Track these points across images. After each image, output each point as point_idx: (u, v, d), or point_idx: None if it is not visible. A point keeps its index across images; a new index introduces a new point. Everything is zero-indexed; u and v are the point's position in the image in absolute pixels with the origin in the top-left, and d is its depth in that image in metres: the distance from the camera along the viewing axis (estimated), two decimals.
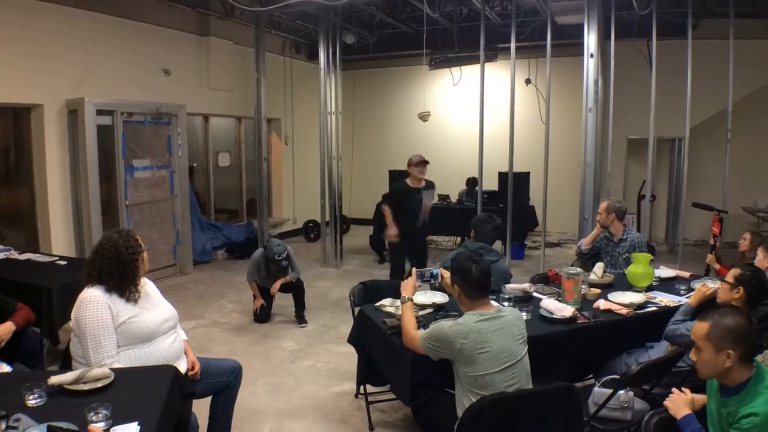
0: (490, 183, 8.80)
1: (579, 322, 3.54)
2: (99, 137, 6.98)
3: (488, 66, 8.03)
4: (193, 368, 3.13)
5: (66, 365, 2.94)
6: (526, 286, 4.10)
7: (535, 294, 4.05)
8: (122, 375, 2.53)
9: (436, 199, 7.54)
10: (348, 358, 4.79)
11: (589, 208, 6.77)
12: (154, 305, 3.03)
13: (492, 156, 8.16)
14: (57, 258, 5.50)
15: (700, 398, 2.43)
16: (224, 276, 8.30)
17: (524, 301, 3.90)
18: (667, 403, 2.41)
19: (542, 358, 3.17)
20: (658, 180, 9.21)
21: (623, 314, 3.65)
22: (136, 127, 7.60)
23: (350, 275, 8.10)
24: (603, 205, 5.16)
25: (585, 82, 6.71)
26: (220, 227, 9.50)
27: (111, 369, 2.54)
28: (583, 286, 3.99)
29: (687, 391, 2.42)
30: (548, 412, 2.67)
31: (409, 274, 3.47)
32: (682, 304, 3.62)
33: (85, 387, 2.39)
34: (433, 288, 3.89)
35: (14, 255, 5.53)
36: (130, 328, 2.82)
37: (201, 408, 3.26)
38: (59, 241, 6.94)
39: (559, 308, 3.58)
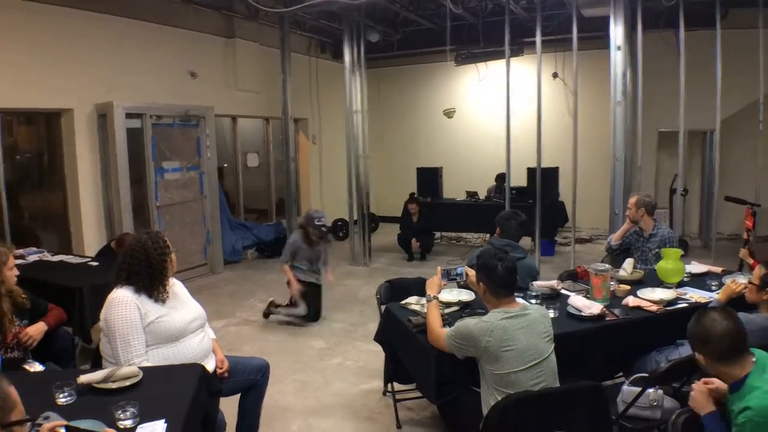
0: (519, 179, 8.74)
1: (607, 319, 3.48)
2: (129, 140, 7.10)
3: (514, 61, 7.97)
4: (221, 367, 3.17)
5: (98, 364, 3.00)
6: (554, 283, 4.06)
7: (562, 291, 4.00)
8: (150, 373, 2.57)
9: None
10: (376, 356, 4.80)
11: (619, 203, 6.68)
12: (182, 305, 3.08)
13: (520, 151, 8.10)
14: (89, 259, 5.61)
15: (725, 387, 2.38)
16: (254, 275, 8.39)
17: (552, 298, 3.85)
18: (690, 402, 2.36)
19: (570, 357, 3.13)
20: (690, 173, 9.03)
21: (653, 311, 3.58)
22: (165, 129, 7.71)
23: (379, 273, 8.11)
24: (632, 199, 5.08)
25: (612, 75, 6.62)
26: (249, 227, 9.59)
27: (139, 368, 2.58)
28: (612, 283, 3.93)
29: (711, 381, 2.35)
30: (574, 412, 2.64)
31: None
32: (711, 300, 3.54)
33: (114, 385, 2.43)
34: (459, 286, 3.89)
35: (47, 257, 5.65)
36: (158, 328, 2.86)
37: (229, 406, 3.30)
38: (91, 242, 7.06)
39: (587, 305, 3.53)
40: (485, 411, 2.76)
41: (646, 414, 2.96)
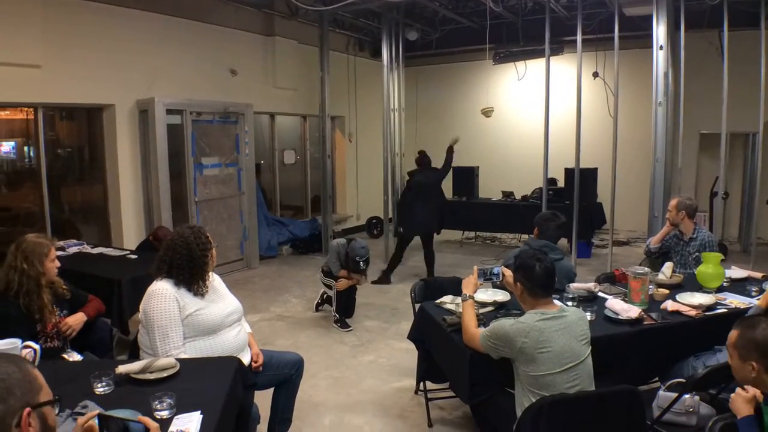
0: (557, 180, 8.64)
1: (645, 323, 3.42)
2: (169, 136, 7.24)
3: (554, 60, 7.89)
4: (256, 360, 3.21)
5: (134, 355, 3.05)
6: (591, 285, 4.01)
7: (600, 294, 3.95)
8: (187, 365, 2.61)
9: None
10: (409, 354, 4.80)
11: (659, 205, 6.56)
12: (220, 298, 3.12)
13: (558, 152, 8.02)
14: (128, 252, 5.73)
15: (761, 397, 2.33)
16: (289, 271, 8.46)
17: (589, 300, 3.80)
18: (730, 403, 2.32)
19: (606, 360, 3.08)
20: (731, 176, 8.81)
21: (691, 316, 3.51)
22: (205, 125, 7.83)
23: (412, 272, 8.11)
24: (673, 202, 4.97)
25: (654, 75, 6.50)
26: (285, 223, 9.69)
27: (177, 359, 2.62)
28: (650, 287, 3.87)
29: (750, 389, 2.31)
30: (610, 416, 2.60)
31: None
32: (751, 306, 3.46)
33: (151, 376, 2.47)
34: (495, 286, 3.86)
35: (87, 249, 5.80)
36: (196, 320, 2.91)
37: (263, 399, 3.34)
38: (130, 236, 7.21)
39: (624, 309, 3.48)
40: (519, 412, 2.74)
41: (682, 420, 2.91)
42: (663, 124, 6.52)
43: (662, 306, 3.65)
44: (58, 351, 3.36)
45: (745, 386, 2.33)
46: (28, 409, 1.39)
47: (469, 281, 3.39)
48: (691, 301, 3.71)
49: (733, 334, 2.27)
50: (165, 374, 2.49)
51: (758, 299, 3.59)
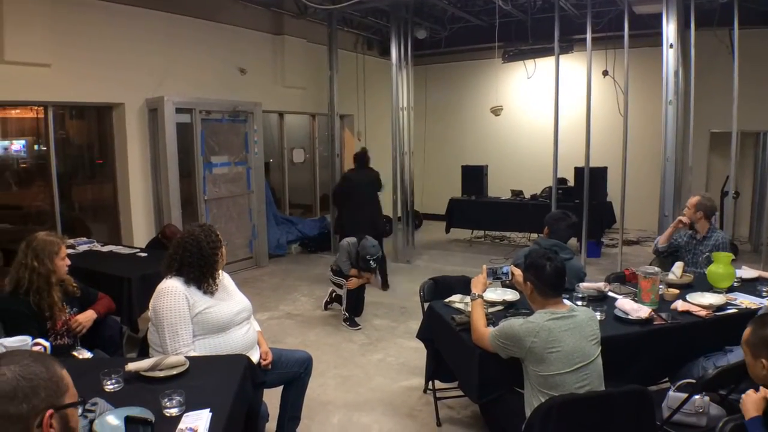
0: (567, 179, 8.60)
1: (655, 323, 3.40)
2: (178, 134, 7.25)
3: (563, 58, 7.86)
4: (265, 358, 3.22)
5: (144, 353, 3.06)
6: (601, 285, 3.99)
7: (610, 293, 3.93)
8: (197, 363, 2.62)
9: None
10: (417, 353, 4.80)
11: (669, 204, 6.52)
12: (229, 296, 3.13)
13: (567, 150, 7.99)
14: (138, 250, 5.75)
15: None
16: (298, 269, 8.47)
17: (598, 300, 3.79)
18: (741, 404, 2.31)
19: (616, 360, 3.07)
20: (741, 175, 8.74)
21: (702, 316, 3.49)
22: (214, 124, 7.85)
23: (422, 271, 8.10)
24: (693, 200, 4.85)
25: (664, 74, 6.46)
26: (294, 222, 9.71)
27: (186, 357, 2.63)
28: (660, 286, 3.84)
29: (763, 390, 2.30)
30: (619, 416, 2.58)
31: None
32: (762, 307, 3.43)
33: (161, 374, 2.48)
34: (504, 285, 3.85)
35: (97, 247, 5.83)
36: (205, 318, 2.92)
37: (272, 397, 3.35)
38: (140, 234, 7.24)
39: (634, 309, 3.46)
40: (528, 412, 2.73)
41: (692, 420, 2.89)
42: (673, 123, 6.49)
43: (672, 306, 3.63)
44: (68, 348, 3.38)
45: (753, 388, 2.32)
46: (50, 411, 1.40)
47: (478, 280, 3.38)
48: (701, 301, 3.69)
49: (746, 332, 2.27)
50: (174, 372, 2.50)
51: None
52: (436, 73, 12.01)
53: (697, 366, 3.37)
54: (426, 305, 4.08)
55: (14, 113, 6.78)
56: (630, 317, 3.41)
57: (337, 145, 9.53)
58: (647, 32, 7.47)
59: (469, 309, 3.28)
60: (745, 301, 3.77)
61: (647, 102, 9.06)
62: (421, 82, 11.39)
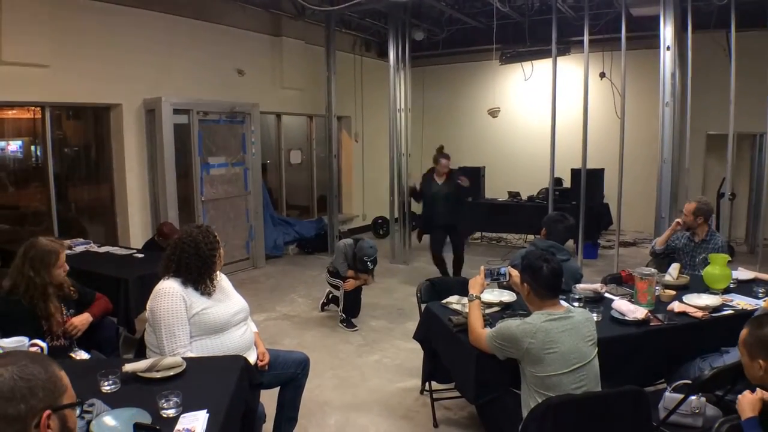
0: (563, 179, 8.61)
1: (652, 324, 3.41)
2: (176, 135, 7.25)
3: (561, 60, 7.87)
4: (262, 359, 3.21)
5: (141, 354, 3.07)
6: (597, 286, 3.99)
7: (606, 295, 3.94)
8: (194, 364, 2.61)
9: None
10: (414, 354, 4.79)
11: (666, 206, 6.53)
12: (227, 297, 3.13)
13: (565, 152, 8.00)
14: (134, 251, 5.75)
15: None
16: (295, 270, 8.47)
17: (595, 301, 3.79)
18: (737, 405, 2.33)
19: (612, 361, 3.08)
20: (738, 177, 8.76)
21: (698, 317, 3.50)
22: (212, 125, 7.85)
23: (418, 272, 8.10)
24: (690, 207, 4.83)
25: (661, 76, 6.47)
26: (291, 223, 9.71)
27: (183, 358, 2.63)
28: (657, 288, 3.86)
29: (759, 391, 2.31)
30: (616, 416, 2.59)
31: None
32: (758, 308, 3.44)
33: (158, 375, 2.47)
34: (501, 286, 3.86)
35: (93, 248, 5.81)
36: (202, 319, 2.92)
37: (269, 398, 3.34)
38: (137, 235, 7.24)
39: (631, 310, 3.47)
40: (525, 413, 2.74)
41: (688, 421, 2.89)
42: (670, 125, 6.50)
43: (669, 307, 3.64)
44: (65, 349, 3.37)
45: (749, 389, 2.33)
46: (48, 412, 1.40)
47: (475, 281, 3.39)
48: (697, 302, 3.70)
49: (743, 333, 2.28)
50: (171, 373, 2.49)
51: (765, 301, 3.57)
52: (433, 75, 12.02)
53: (693, 367, 3.38)
54: (423, 306, 4.08)
55: (11, 114, 6.78)
56: (626, 318, 3.43)
57: (334, 146, 9.53)
58: (644, 34, 7.48)
59: (467, 310, 3.29)
60: (741, 302, 3.78)
61: (644, 104, 9.07)
62: (419, 84, 11.40)
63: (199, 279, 2.97)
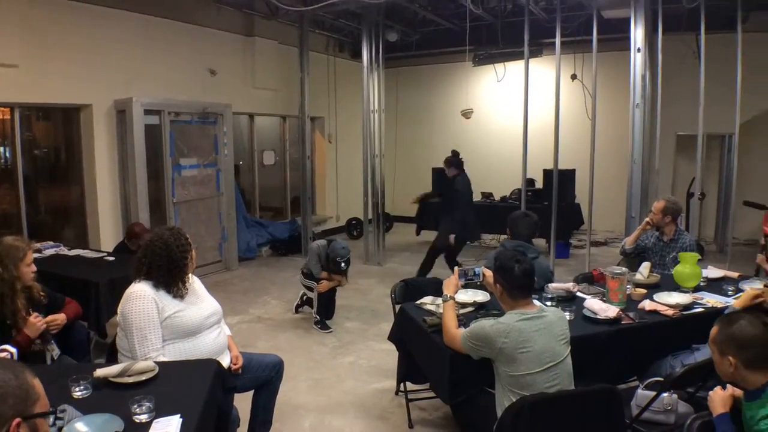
0: (535, 180, 8.69)
1: (623, 322, 3.46)
2: (147, 136, 7.15)
3: (533, 62, 7.93)
4: (236, 363, 3.18)
5: (113, 358, 3.01)
6: (570, 285, 4.03)
7: (578, 294, 3.98)
8: (166, 368, 2.58)
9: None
10: (389, 355, 4.80)
11: (636, 206, 6.62)
12: (199, 300, 3.09)
13: (537, 153, 8.07)
14: (105, 254, 5.65)
15: (740, 393, 2.38)
16: (268, 272, 8.42)
17: (567, 300, 3.83)
18: (709, 401, 2.37)
19: (585, 359, 3.10)
20: (707, 177, 8.93)
21: (669, 315, 3.55)
22: (184, 126, 7.77)
23: (392, 273, 8.11)
24: (659, 205, 4.88)
25: (632, 78, 6.56)
26: (264, 224, 9.65)
27: (155, 362, 2.59)
28: (628, 286, 3.90)
29: (730, 388, 2.36)
30: (589, 414, 2.62)
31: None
32: (728, 306, 3.51)
33: (130, 380, 2.44)
34: (475, 286, 3.87)
35: (63, 251, 5.71)
36: (175, 323, 2.88)
37: (243, 402, 3.32)
38: (108, 238, 7.12)
39: (603, 308, 3.51)
40: (499, 412, 2.75)
41: (660, 418, 2.94)
42: (640, 126, 6.59)
43: (640, 306, 3.69)
44: (36, 355, 3.30)
45: (720, 385, 2.37)
46: (18, 420, 1.36)
47: (450, 282, 3.40)
48: (668, 300, 3.75)
49: (713, 331, 2.32)
50: (144, 377, 2.46)
51: (735, 299, 3.64)
52: (407, 76, 12.05)
53: (665, 364, 3.42)
54: (397, 307, 4.09)
55: None
56: (598, 317, 3.46)
57: (307, 147, 9.49)
58: (615, 36, 7.57)
59: (441, 311, 3.29)
60: (712, 300, 3.85)
61: (615, 105, 9.21)
62: (392, 85, 11.42)
63: (171, 281, 2.93)
